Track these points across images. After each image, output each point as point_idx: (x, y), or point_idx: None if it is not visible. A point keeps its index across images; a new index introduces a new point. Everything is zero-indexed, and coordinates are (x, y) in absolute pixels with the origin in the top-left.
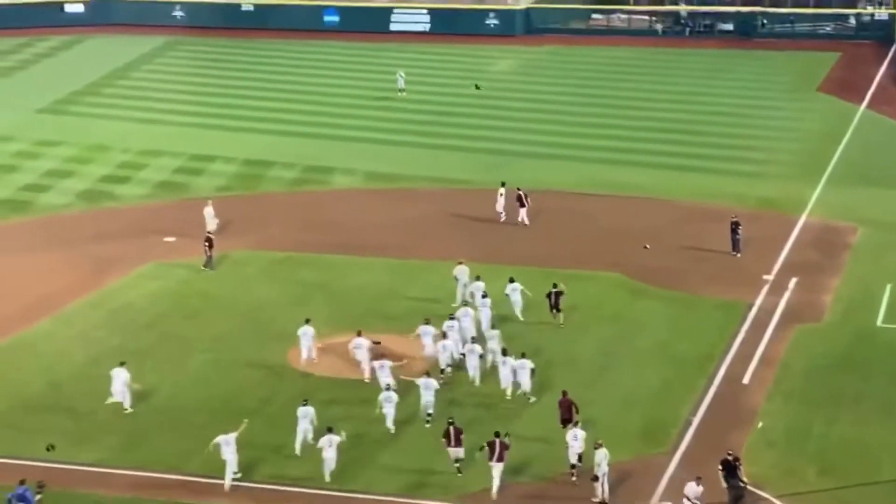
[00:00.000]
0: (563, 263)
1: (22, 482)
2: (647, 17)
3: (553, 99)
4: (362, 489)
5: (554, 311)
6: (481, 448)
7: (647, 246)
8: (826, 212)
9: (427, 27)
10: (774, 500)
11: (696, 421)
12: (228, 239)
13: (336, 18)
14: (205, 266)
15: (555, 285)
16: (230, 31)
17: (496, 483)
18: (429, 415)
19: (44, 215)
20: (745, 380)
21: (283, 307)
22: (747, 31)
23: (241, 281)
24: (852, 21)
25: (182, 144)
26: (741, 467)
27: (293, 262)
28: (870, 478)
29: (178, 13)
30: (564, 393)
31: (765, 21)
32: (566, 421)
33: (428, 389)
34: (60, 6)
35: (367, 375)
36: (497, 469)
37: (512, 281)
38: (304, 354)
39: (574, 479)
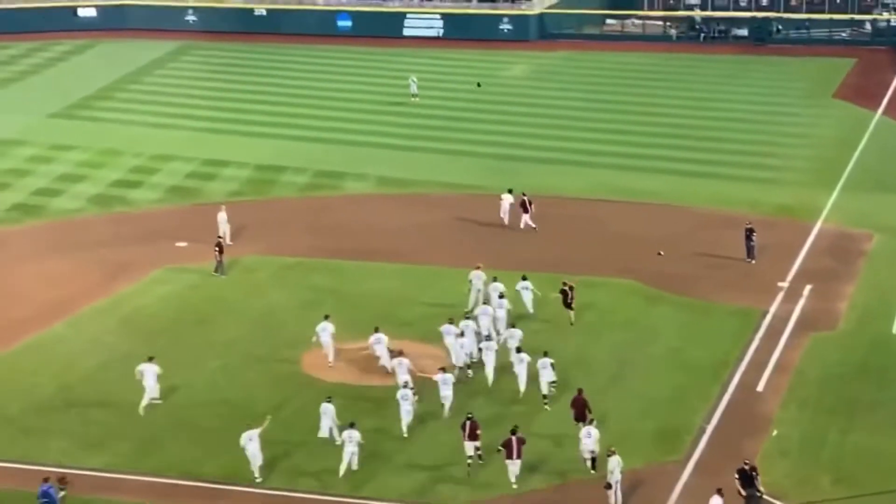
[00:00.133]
0: (577, 269)
1: (46, 479)
2: (661, 23)
3: (567, 104)
4: (374, 494)
5: (569, 308)
6: (498, 450)
7: (661, 252)
8: (841, 218)
9: (440, 32)
10: None
11: (709, 428)
12: (240, 244)
13: (349, 23)
14: (215, 271)
15: (564, 283)
16: (243, 35)
17: (514, 478)
18: (449, 408)
19: (56, 220)
20: (760, 387)
21: (295, 312)
22: (762, 37)
23: (252, 286)
24: (868, 27)
25: (194, 149)
26: (758, 476)
27: (305, 268)
28: (885, 486)
29: (190, 18)
30: (580, 391)
31: (780, 27)
32: (580, 419)
33: (445, 384)
34: (73, 11)
35: (388, 368)
36: (515, 466)
37: (524, 279)
38: (331, 355)
39: (592, 471)
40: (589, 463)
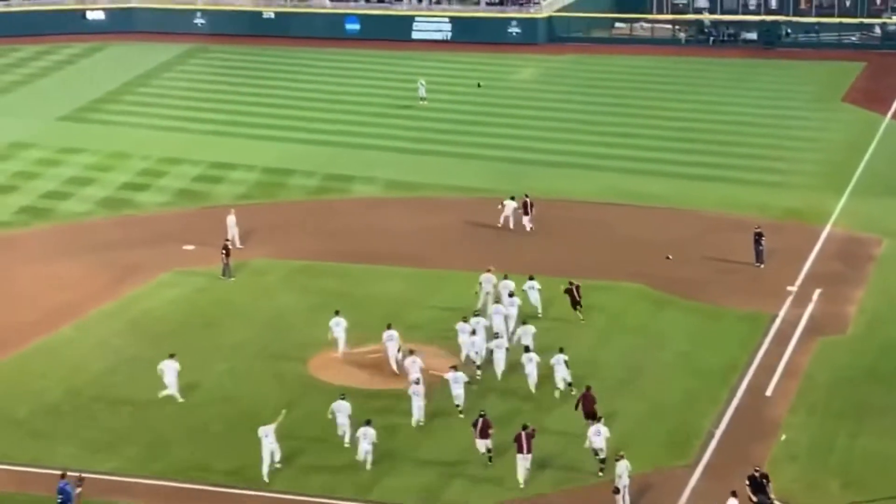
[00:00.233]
0: (586, 273)
1: (63, 476)
2: (670, 26)
3: (575, 108)
4: (382, 498)
5: (576, 307)
6: (514, 442)
7: (670, 256)
8: (850, 223)
9: (449, 35)
10: None
11: (718, 433)
12: (248, 247)
13: (357, 27)
14: (223, 275)
15: (571, 282)
16: (251, 38)
17: (523, 474)
18: (459, 407)
19: (64, 223)
20: (769, 392)
21: (303, 316)
22: (771, 41)
23: (260, 289)
24: (878, 31)
25: (202, 152)
26: (769, 483)
27: (313, 271)
28: (894, 491)
29: (199, 21)
30: (588, 388)
31: (789, 30)
32: (590, 415)
33: (457, 383)
34: (82, 13)
35: (395, 366)
36: (525, 460)
37: (531, 278)
38: (341, 346)
39: (600, 473)
40: (597, 462)
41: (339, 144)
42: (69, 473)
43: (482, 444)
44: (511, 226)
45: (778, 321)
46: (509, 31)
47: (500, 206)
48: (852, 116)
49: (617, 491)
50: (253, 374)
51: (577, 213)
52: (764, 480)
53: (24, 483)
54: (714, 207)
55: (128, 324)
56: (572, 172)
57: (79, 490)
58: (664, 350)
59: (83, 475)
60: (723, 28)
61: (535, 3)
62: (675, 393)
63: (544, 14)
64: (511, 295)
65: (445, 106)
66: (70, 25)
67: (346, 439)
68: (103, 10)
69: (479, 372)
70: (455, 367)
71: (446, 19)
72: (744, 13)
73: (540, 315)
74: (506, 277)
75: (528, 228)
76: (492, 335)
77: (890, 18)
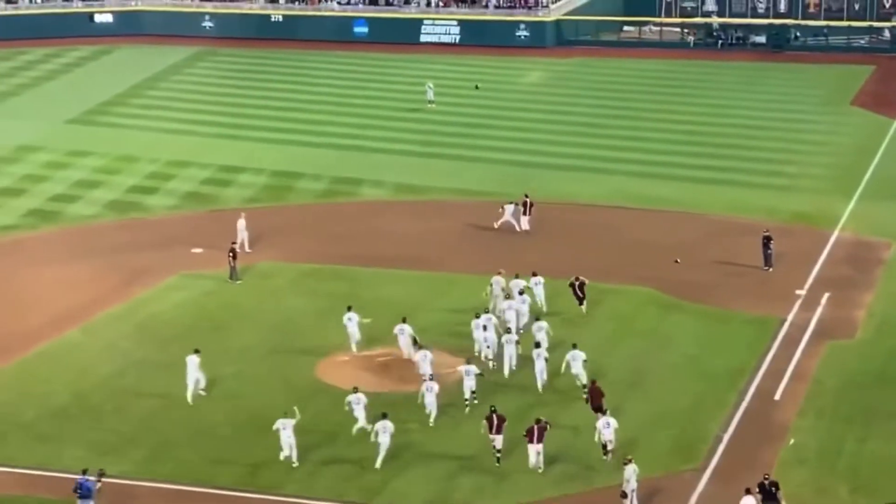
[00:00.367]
0: (594, 277)
1: (84, 471)
2: (678, 30)
3: (583, 111)
4: (390, 501)
5: (580, 302)
6: (524, 436)
7: (678, 260)
8: (859, 226)
9: (457, 38)
10: None
11: (726, 437)
12: (256, 250)
13: (366, 30)
14: (230, 278)
15: (576, 278)
16: (259, 41)
17: (536, 460)
18: (470, 398)
19: (72, 226)
20: (777, 396)
21: (311, 319)
22: (780, 44)
23: (268, 293)
24: (887, 34)
25: (210, 155)
26: (779, 491)
27: (321, 274)
28: None
29: (207, 24)
30: (594, 381)
31: (798, 34)
32: (597, 408)
33: (469, 375)
34: (90, 16)
35: (413, 358)
36: (537, 449)
37: (535, 275)
38: (354, 341)
39: (605, 457)
40: (607, 455)
41: (347, 148)
42: (73, 476)
43: (495, 440)
44: (518, 228)
45: (786, 325)
46: (517, 34)
47: (500, 210)
48: (861, 120)
49: (625, 495)
50: (260, 377)
51: (585, 217)
52: (773, 489)
53: (31, 486)
54: (722, 211)
55: (135, 327)
56: (580, 176)
57: (99, 485)
58: (672, 353)
59: (103, 470)
60: (731, 31)
61: (543, 7)
62: (683, 396)
63: (552, 17)
64: (521, 292)
65: (453, 109)
66: (78, 28)
67: (358, 425)
68: (111, 12)
69: (493, 364)
70: (469, 360)
71: (454, 22)
72: (752, 16)
73: (545, 311)
74: (517, 276)
75: (522, 228)
76: (504, 331)
77: None
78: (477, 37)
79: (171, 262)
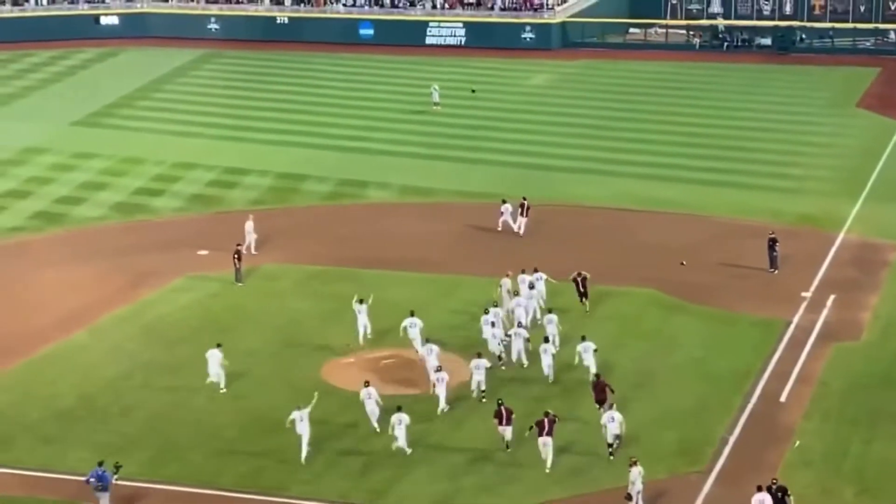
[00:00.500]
0: (599, 279)
1: (100, 463)
2: (684, 32)
3: (589, 113)
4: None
5: (582, 298)
6: (531, 428)
7: (684, 262)
8: (865, 229)
9: (463, 41)
10: None
11: (732, 439)
12: (262, 252)
13: (371, 32)
14: (236, 280)
15: (579, 273)
16: (265, 43)
17: (549, 457)
18: (482, 392)
19: (78, 228)
20: (783, 398)
21: (316, 321)
22: (785, 46)
23: (274, 295)
24: (892, 36)
25: (216, 157)
26: (789, 497)
27: (327, 276)
28: None
29: (213, 26)
30: (598, 375)
31: (803, 36)
32: (601, 402)
33: (478, 369)
34: (95, 18)
35: (420, 354)
36: (548, 444)
37: (536, 270)
38: (362, 332)
39: (611, 457)
40: (612, 447)
41: (352, 150)
42: (79, 478)
43: (504, 432)
44: (514, 229)
45: (792, 327)
46: (523, 36)
47: (501, 211)
48: (867, 122)
49: (629, 497)
50: (266, 378)
51: (590, 219)
52: (780, 494)
53: (35, 487)
54: (728, 213)
55: (141, 329)
56: (586, 178)
57: (115, 477)
58: (677, 355)
59: (119, 463)
60: (737, 33)
61: (549, 9)
62: (689, 398)
63: (558, 19)
64: (531, 287)
65: (459, 111)
66: (84, 31)
67: (374, 423)
68: (117, 15)
69: (503, 358)
70: (479, 354)
71: (460, 24)
72: (758, 19)
73: (543, 306)
74: (523, 272)
75: (516, 230)
76: (515, 325)
77: None
78: (482, 39)
79: (177, 264)
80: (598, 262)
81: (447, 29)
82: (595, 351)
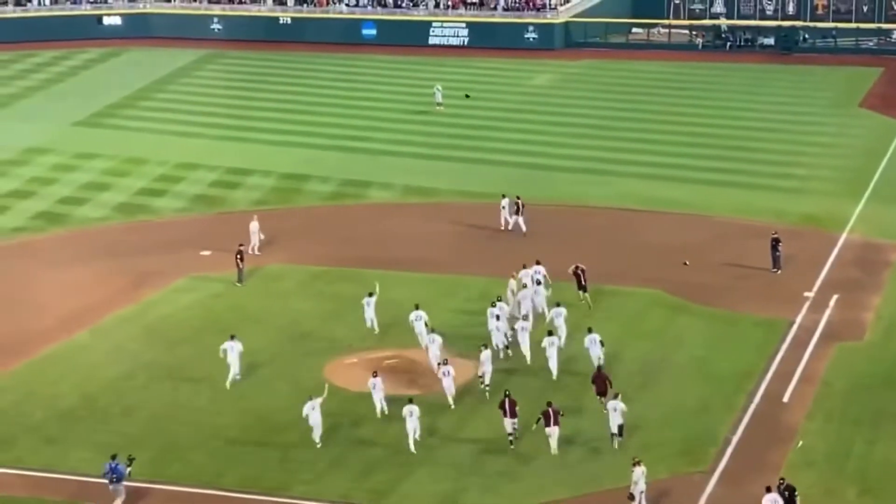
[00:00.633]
0: (602, 279)
1: (113, 457)
2: (687, 32)
3: (592, 113)
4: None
5: (581, 292)
6: (538, 420)
7: (687, 262)
8: (868, 229)
9: (465, 41)
10: None
11: (735, 439)
12: (264, 252)
13: (374, 32)
14: (238, 281)
15: (577, 266)
16: (268, 44)
17: (554, 445)
18: (486, 385)
19: (80, 228)
20: (786, 398)
21: (319, 321)
22: (788, 46)
23: (277, 295)
24: (895, 36)
25: (218, 158)
26: (797, 499)
27: (330, 277)
28: None
29: (215, 26)
30: (599, 368)
31: (806, 36)
32: (602, 393)
33: (486, 361)
34: (98, 19)
35: (423, 345)
36: (554, 433)
37: (538, 263)
38: (369, 323)
39: (616, 446)
40: (615, 439)
41: (355, 150)
42: (80, 478)
43: (509, 424)
44: (506, 226)
45: (795, 327)
46: (526, 36)
47: (502, 206)
48: (869, 122)
49: (632, 497)
50: (268, 379)
51: (593, 219)
52: (787, 493)
53: (37, 488)
54: (731, 213)
55: (143, 329)
56: (588, 178)
57: (129, 469)
58: (680, 355)
59: (132, 455)
60: (740, 33)
61: (551, 9)
62: (692, 399)
63: (561, 19)
64: (538, 283)
65: (462, 111)
66: (86, 31)
67: (379, 412)
68: (119, 15)
69: (509, 352)
70: (486, 345)
71: (463, 25)
72: (761, 18)
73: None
74: (524, 267)
75: (509, 227)
76: (521, 318)
77: None
78: (485, 39)
79: (180, 264)
80: (600, 263)
81: (450, 29)
82: (602, 344)
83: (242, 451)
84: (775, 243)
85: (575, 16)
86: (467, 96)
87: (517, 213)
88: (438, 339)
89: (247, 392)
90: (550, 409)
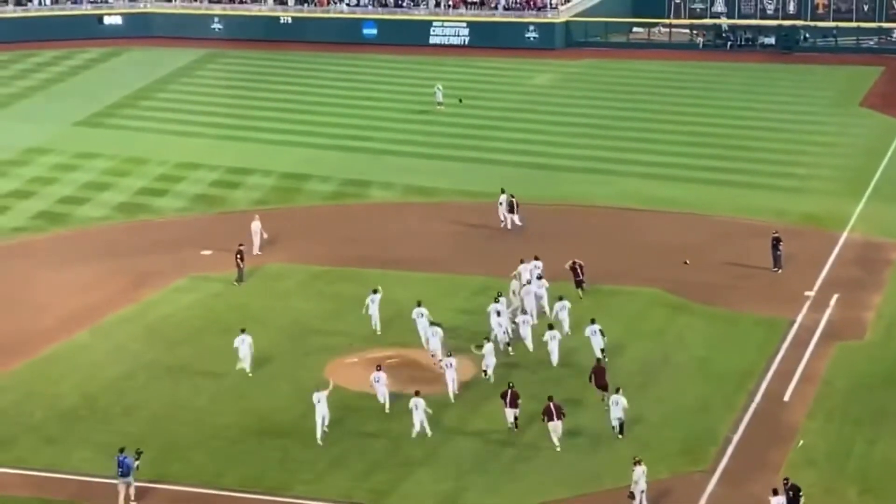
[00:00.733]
0: (603, 278)
1: (122, 450)
2: (687, 31)
3: (592, 113)
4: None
5: (579, 286)
6: (543, 418)
7: (688, 261)
8: (868, 228)
9: (466, 40)
10: None
11: (735, 438)
12: (265, 252)
13: (375, 31)
14: (240, 280)
15: (574, 261)
16: (268, 43)
17: (556, 440)
18: (488, 375)
19: (81, 228)
20: (786, 397)
21: (320, 321)
22: (789, 45)
23: (277, 295)
24: None
25: (219, 157)
26: (802, 498)
27: (330, 276)
28: None
29: (216, 26)
30: (598, 360)
31: (807, 35)
32: (602, 387)
33: (489, 353)
34: (99, 18)
35: (423, 337)
36: (557, 428)
37: (536, 258)
38: (375, 320)
39: (620, 436)
40: (617, 429)
41: (355, 149)
42: (81, 478)
43: (510, 413)
44: (503, 226)
45: (795, 326)
46: (527, 35)
47: (500, 204)
48: (870, 121)
49: (632, 496)
50: (269, 378)
51: (594, 218)
52: (791, 493)
53: (39, 487)
54: (731, 212)
55: (144, 329)
56: (589, 177)
57: (137, 463)
58: (681, 354)
59: (140, 448)
60: (740, 33)
61: (552, 8)
62: (692, 398)
63: (562, 19)
64: (539, 277)
65: (463, 111)
66: (87, 30)
67: (387, 409)
68: (120, 14)
69: (510, 349)
70: (488, 338)
71: (464, 24)
72: (761, 18)
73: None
74: (536, 258)
75: (503, 225)
76: (520, 312)
77: None
78: (486, 38)
79: (180, 264)
80: (601, 262)
81: (451, 28)
82: (603, 334)
83: (243, 451)
84: (776, 242)
85: (575, 15)
86: (461, 101)
87: (511, 210)
88: (440, 331)
89: (247, 392)
90: (552, 404)
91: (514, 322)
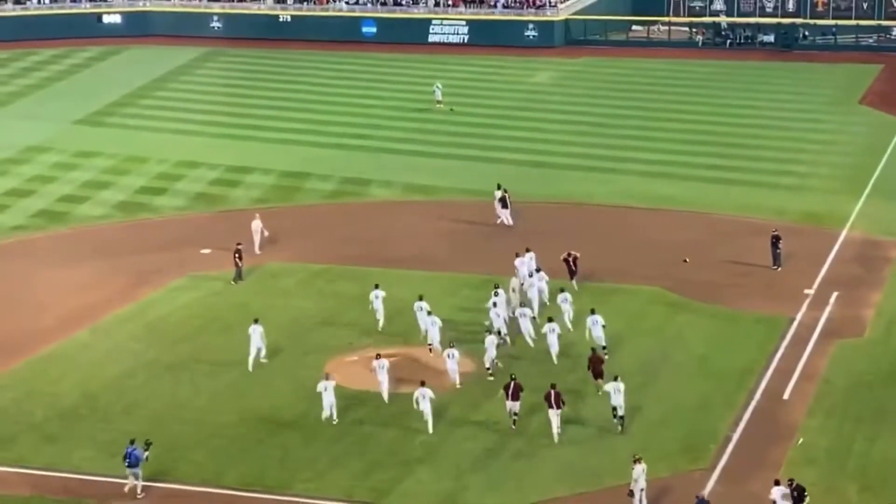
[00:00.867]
0: (603, 276)
1: (132, 441)
2: (687, 29)
3: (592, 111)
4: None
5: (572, 277)
6: (547, 404)
7: (687, 260)
8: (868, 226)
9: (465, 38)
10: None
11: (735, 437)
12: (265, 251)
13: (374, 30)
14: (238, 279)
15: (569, 253)
16: (268, 42)
17: (556, 428)
18: (489, 369)
19: (80, 226)
20: (786, 395)
21: (320, 320)
22: (788, 43)
23: (277, 293)
24: (895, 33)
25: (219, 156)
26: (806, 500)
27: (330, 275)
28: None
29: (215, 24)
30: (593, 350)
31: (806, 33)
32: (598, 375)
33: (491, 345)
34: (98, 17)
35: (422, 329)
36: (556, 415)
37: (528, 251)
38: (379, 315)
39: (619, 429)
40: (618, 413)
41: (355, 148)
42: (81, 476)
43: (511, 406)
44: (497, 222)
45: (795, 324)
46: (526, 34)
47: (496, 203)
48: (869, 119)
49: (632, 494)
50: (269, 377)
51: (593, 216)
52: (796, 493)
53: (39, 486)
54: (731, 210)
55: (144, 328)
56: (589, 175)
57: (147, 454)
58: (681, 353)
59: (149, 440)
60: (740, 31)
61: (551, 6)
62: (692, 396)
63: (561, 17)
64: (538, 270)
65: (462, 109)
66: (86, 29)
67: (385, 398)
68: (119, 13)
69: (508, 340)
70: (489, 331)
71: (463, 22)
72: (761, 16)
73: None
74: (517, 256)
75: (498, 222)
76: (518, 304)
77: None
78: (485, 37)
79: (180, 262)
80: (601, 260)
81: (450, 27)
82: (603, 326)
83: (243, 449)
84: (775, 240)
85: (575, 13)
86: (452, 110)
87: (504, 206)
88: (438, 321)
89: (247, 390)
90: (553, 391)
91: (513, 315)
